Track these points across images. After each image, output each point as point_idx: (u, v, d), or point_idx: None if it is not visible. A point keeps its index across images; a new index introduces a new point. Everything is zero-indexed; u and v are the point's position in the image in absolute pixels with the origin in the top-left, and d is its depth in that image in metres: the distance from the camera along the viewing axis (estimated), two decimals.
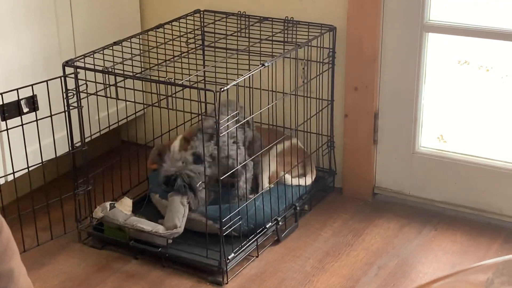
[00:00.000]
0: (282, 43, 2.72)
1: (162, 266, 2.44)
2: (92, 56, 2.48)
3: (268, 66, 2.42)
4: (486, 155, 2.69)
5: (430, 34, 2.66)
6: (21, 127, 2.39)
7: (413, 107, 2.72)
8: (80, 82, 2.42)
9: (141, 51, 2.66)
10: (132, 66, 2.52)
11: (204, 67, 2.86)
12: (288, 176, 2.66)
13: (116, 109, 2.71)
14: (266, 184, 2.64)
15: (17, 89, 2.36)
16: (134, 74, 2.43)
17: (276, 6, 2.82)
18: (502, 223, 2.67)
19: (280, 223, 2.59)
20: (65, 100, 2.43)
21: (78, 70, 2.41)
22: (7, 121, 2.38)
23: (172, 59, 2.64)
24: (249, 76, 2.37)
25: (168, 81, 2.31)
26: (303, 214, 2.75)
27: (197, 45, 2.84)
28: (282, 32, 2.76)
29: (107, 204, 2.51)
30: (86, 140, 2.53)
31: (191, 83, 2.70)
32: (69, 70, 2.41)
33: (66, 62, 2.43)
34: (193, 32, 2.83)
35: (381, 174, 2.85)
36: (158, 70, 2.58)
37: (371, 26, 2.66)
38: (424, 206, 2.79)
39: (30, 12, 2.59)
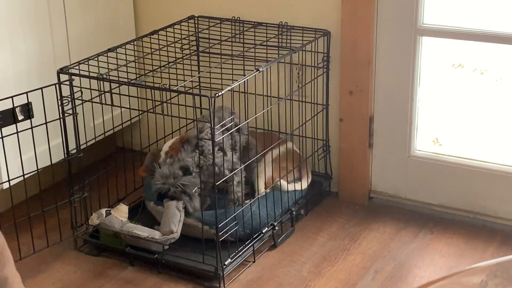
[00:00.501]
0: (277, 48, 2.72)
1: (159, 272, 2.44)
2: (86, 63, 2.48)
3: (262, 71, 2.42)
4: (482, 158, 2.70)
5: (424, 38, 2.66)
6: (16, 134, 2.39)
7: (408, 110, 2.72)
8: (75, 89, 2.42)
9: (136, 58, 2.66)
10: (127, 72, 2.52)
11: (199, 73, 2.86)
12: (284, 183, 2.66)
13: (111, 115, 2.71)
14: (262, 189, 2.64)
15: (11, 97, 2.35)
16: (129, 80, 2.43)
17: (270, 11, 2.83)
18: (498, 225, 2.68)
19: (276, 228, 2.59)
20: (60, 107, 2.43)
21: (73, 77, 2.41)
22: (2, 129, 2.37)
23: (167, 65, 2.65)
24: (244, 81, 2.37)
25: (163, 87, 2.31)
26: (299, 219, 2.75)
27: (191, 51, 2.84)
28: (277, 37, 2.76)
29: (103, 211, 2.50)
30: (82, 147, 2.53)
31: (186, 89, 2.71)
32: (63, 77, 2.41)
33: (61, 69, 2.43)
34: (187, 38, 2.83)
35: (376, 178, 2.85)
36: (153, 76, 2.58)
37: (365, 30, 2.67)
38: (420, 210, 2.80)
39: (25, 20, 2.59)
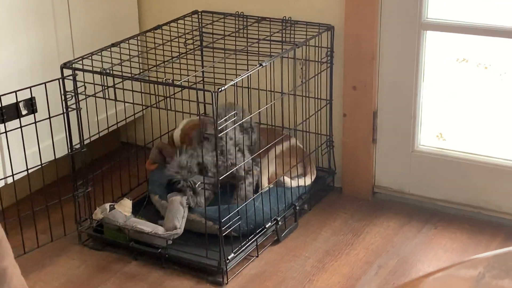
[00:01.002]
0: (280, 43, 2.72)
1: (162, 267, 2.45)
2: (90, 58, 2.48)
3: (266, 66, 2.42)
4: (486, 153, 2.69)
5: (428, 32, 2.66)
6: (19, 129, 2.40)
7: (412, 105, 2.72)
8: (79, 84, 2.42)
9: (140, 53, 2.66)
10: (131, 67, 2.52)
11: (202, 68, 2.86)
12: (288, 179, 2.66)
13: (115, 110, 2.71)
14: (265, 185, 2.64)
15: (15, 92, 2.36)
16: (132, 75, 2.43)
17: (273, 6, 2.82)
18: (502, 220, 2.67)
19: (279, 223, 2.59)
20: (63, 102, 2.44)
21: (76, 72, 2.41)
22: (6, 123, 2.38)
23: (171, 60, 2.65)
24: (247, 76, 2.37)
25: (166, 82, 2.31)
26: (303, 214, 2.75)
27: (195, 46, 2.84)
28: (280, 32, 2.76)
29: (107, 205, 2.51)
30: (85, 142, 2.53)
31: (190, 83, 2.71)
32: (67, 72, 2.42)
33: (64, 64, 2.43)
34: (191, 33, 2.83)
35: (380, 173, 2.85)
36: (156, 71, 2.59)
37: (368, 25, 2.66)
38: (424, 205, 2.79)
39: (28, 15, 2.59)
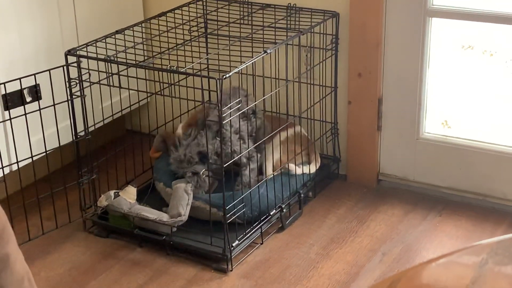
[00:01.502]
0: (285, 30, 2.71)
1: (167, 254, 2.45)
2: (94, 45, 2.48)
3: (270, 53, 2.41)
4: (491, 140, 2.68)
5: (433, 19, 2.64)
6: (24, 116, 2.40)
7: (417, 92, 2.71)
8: (83, 71, 2.42)
9: (144, 40, 2.66)
10: (135, 54, 2.51)
11: (207, 55, 2.85)
12: (292, 166, 2.66)
13: (120, 98, 2.71)
14: (270, 172, 2.64)
15: (19, 79, 2.36)
16: (137, 62, 2.43)
17: None
18: (507, 208, 2.67)
19: (284, 210, 2.59)
20: (68, 89, 2.44)
21: (80, 59, 2.41)
22: (10, 110, 2.38)
23: (175, 47, 2.64)
24: (252, 63, 2.36)
25: (171, 69, 2.31)
26: (307, 201, 2.75)
27: (199, 33, 2.83)
28: (285, 18, 2.75)
29: (112, 192, 2.51)
30: (90, 129, 2.53)
31: (194, 71, 2.70)
32: (71, 59, 2.41)
33: (69, 51, 2.43)
34: (195, 20, 2.83)
35: (385, 161, 2.84)
36: (161, 58, 2.58)
37: (374, 11, 2.65)
38: (429, 192, 2.79)
39: (33, 2, 2.59)
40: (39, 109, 2.42)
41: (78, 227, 2.60)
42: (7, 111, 2.38)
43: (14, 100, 2.35)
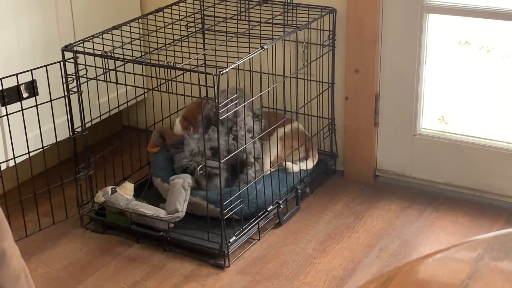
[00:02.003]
0: (282, 26, 2.71)
1: (164, 250, 2.45)
2: (91, 40, 2.47)
3: (268, 49, 2.41)
4: (488, 136, 2.69)
5: (430, 15, 2.64)
6: (21, 112, 2.39)
7: (414, 88, 2.71)
8: (80, 67, 2.42)
9: (141, 35, 2.66)
10: (132, 50, 2.51)
11: (204, 51, 2.85)
12: (289, 164, 2.66)
13: (117, 93, 2.71)
14: (268, 168, 2.64)
15: (16, 74, 2.36)
16: (134, 58, 2.43)
17: None
18: (504, 203, 2.67)
19: (281, 206, 2.59)
20: (65, 85, 2.43)
21: (77, 54, 2.40)
22: (7, 106, 2.38)
23: (172, 43, 2.64)
24: (249, 59, 2.36)
25: (168, 65, 2.31)
26: (305, 197, 2.75)
27: (196, 29, 2.83)
28: (282, 14, 2.75)
29: (109, 188, 2.51)
30: (87, 125, 2.53)
31: (191, 66, 2.70)
32: (68, 55, 2.41)
33: (65, 46, 2.43)
34: (192, 16, 2.82)
35: (382, 156, 2.84)
36: (158, 54, 2.58)
37: (371, 7, 2.65)
38: (426, 188, 2.79)
39: None
40: (36, 105, 2.42)
41: (75, 223, 2.60)
42: (4, 107, 2.38)
43: (10, 96, 2.35)
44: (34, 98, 2.41)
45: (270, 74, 2.65)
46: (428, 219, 2.62)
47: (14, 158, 2.47)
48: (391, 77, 2.73)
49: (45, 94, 2.43)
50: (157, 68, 2.41)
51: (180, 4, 2.81)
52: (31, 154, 2.49)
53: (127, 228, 2.49)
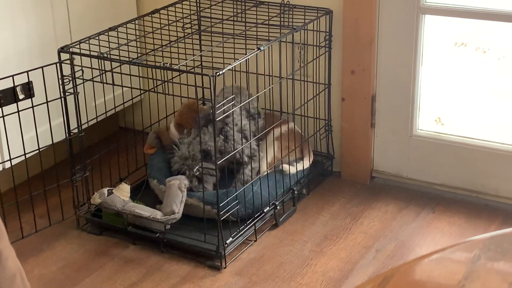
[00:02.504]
0: (279, 27, 2.71)
1: (160, 251, 2.45)
2: (87, 42, 2.47)
3: (264, 50, 2.41)
4: (484, 137, 2.69)
5: (426, 16, 2.65)
6: (17, 114, 2.39)
7: (410, 89, 2.71)
8: (76, 68, 2.41)
9: (137, 37, 2.65)
10: (128, 51, 2.51)
11: (200, 52, 2.85)
12: (286, 166, 2.65)
13: (113, 95, 2.70)
14: (264, 169, 2.64)
15: (12, 76, 2.35)
16: (130, 59, 2.42)
17: None
18: (500, 204, 2.68)
19: (278, 207, 2.59)
20: (61, 87, 2.43)
21: (73, 56, 2.40)
22: (3, 108, 2.37)
23: (169, 44, 2.64)
24: (246, 60, 2.36)
25: (164, 66, 2.31)
26: (301, 198, 2.75)
27: (193, 30, 2.83)
28: (278, 16, 2.75)
29: (105, 190, 2.51)
30: (83, 126, 2.53)
31: (188, 68, 2.70)
32: (64, 56, 2.41)
33: (62, 48, 2.42)
34: (189, 17, 2.82)
35: (379, 158, 2.85)
36: (154, 56, 2.57)
37: (367, 9, 2.65)
38: (422, 189, 2.79)
39: None
40: (32, 106, 2.41)
41: (71, 224, 2.59)
42: (0, 109, 2.38)
43: (6, 97, 2.34)
44: (30, 99, 2.40)
45: (266, 75, 2.65)
46: (425, 220, 2.62)
47: (10, 159, 2.46)
48: (388, 78, 2.73)
49: (41, 96, 2.42)
50: (153, 69, 2.41)
51: (177, 6, 2.81)
52: (27, 155, 2.48)
53: (123, 229, 2.49)
